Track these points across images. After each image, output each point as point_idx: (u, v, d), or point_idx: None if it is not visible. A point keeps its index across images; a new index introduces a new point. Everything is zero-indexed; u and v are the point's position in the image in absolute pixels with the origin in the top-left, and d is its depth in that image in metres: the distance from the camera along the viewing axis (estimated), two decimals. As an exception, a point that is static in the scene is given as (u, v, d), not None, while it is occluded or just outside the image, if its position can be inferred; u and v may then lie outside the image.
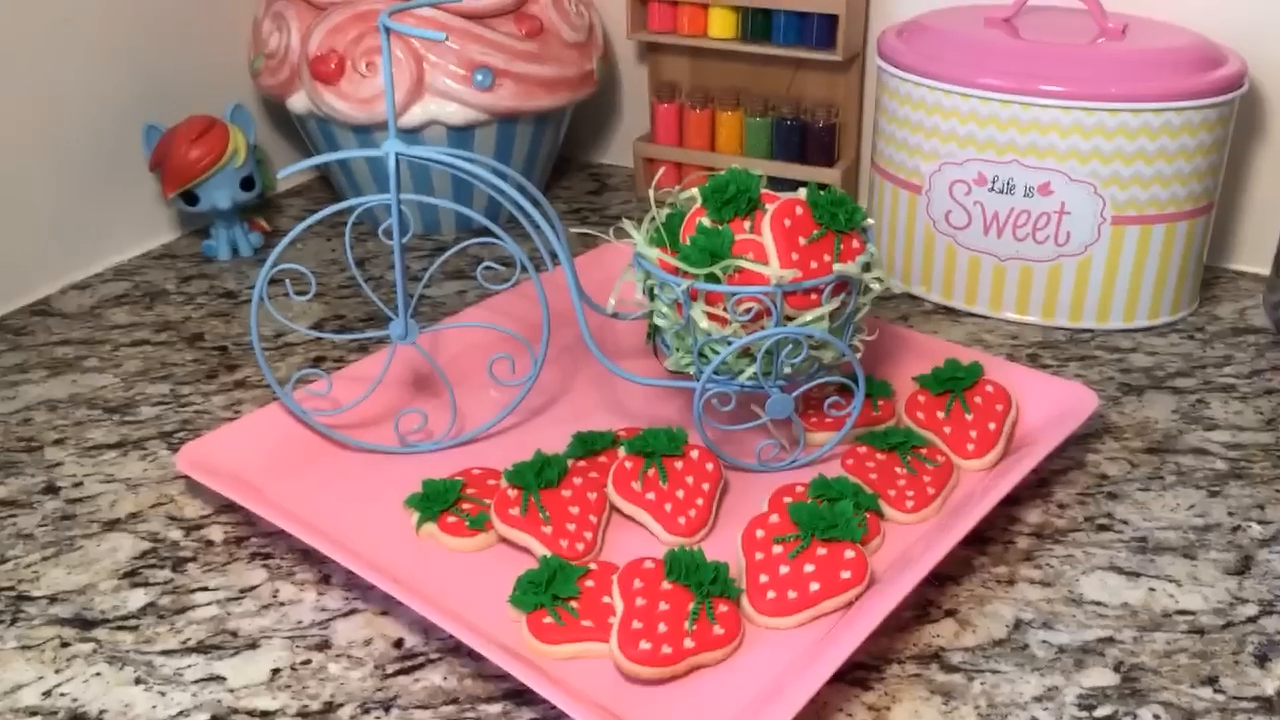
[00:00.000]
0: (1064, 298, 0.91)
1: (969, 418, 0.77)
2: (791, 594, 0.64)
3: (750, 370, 0.72)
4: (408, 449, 0.78)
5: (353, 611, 0.66)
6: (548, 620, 0.63)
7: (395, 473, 0.76)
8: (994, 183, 0.89)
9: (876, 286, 0.73)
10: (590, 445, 0.76)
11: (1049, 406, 0.78)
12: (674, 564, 0.64)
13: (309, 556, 0.70)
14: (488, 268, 0.79)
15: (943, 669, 0.62)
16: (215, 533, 0.73)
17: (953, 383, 0.79)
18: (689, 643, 0.61)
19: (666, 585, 0.63)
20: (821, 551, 0.65)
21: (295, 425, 0.78)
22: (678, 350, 0.75)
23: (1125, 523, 0.72)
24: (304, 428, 0.78)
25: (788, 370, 0.73)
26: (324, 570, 0.69)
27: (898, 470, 0.74)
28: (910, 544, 0.70)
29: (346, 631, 0.65)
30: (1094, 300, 0.91)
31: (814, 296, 0.71)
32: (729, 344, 0.71)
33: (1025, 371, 0.81)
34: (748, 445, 0.77)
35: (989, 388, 0.79)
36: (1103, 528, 0.71)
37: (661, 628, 0.61)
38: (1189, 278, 0.92)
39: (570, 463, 0.75)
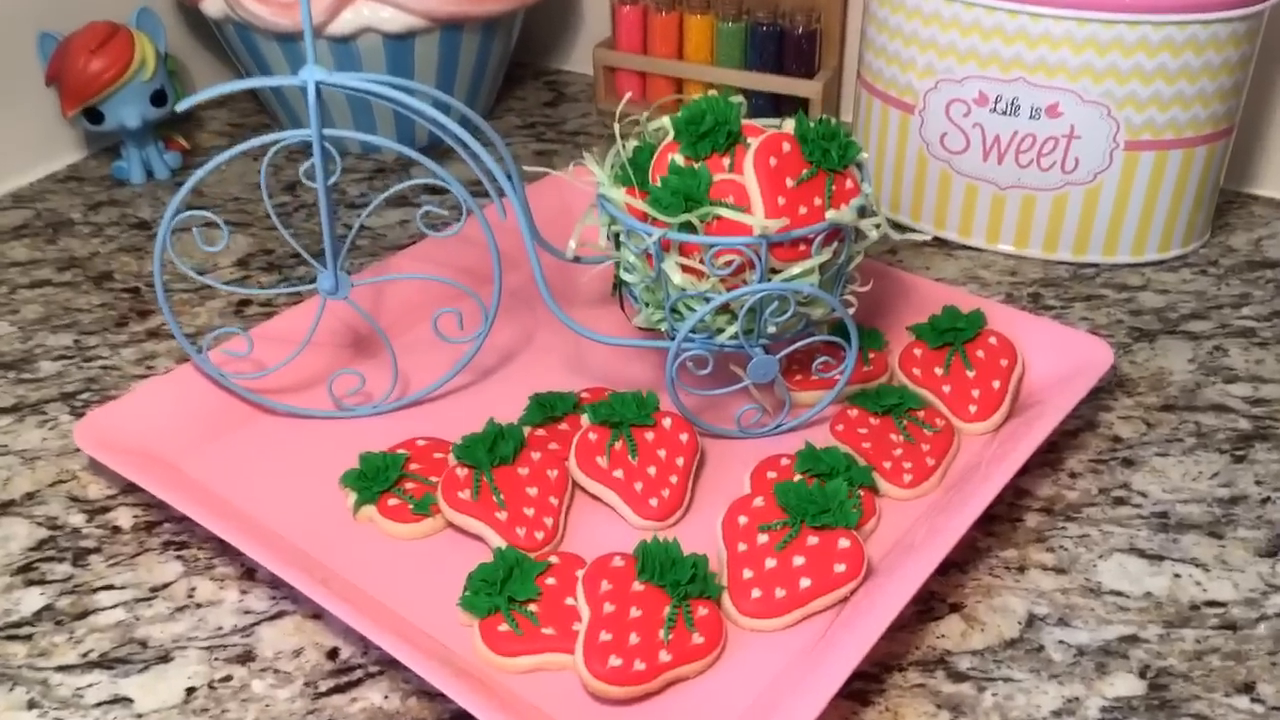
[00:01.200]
0: (1068, 230, 0.83)
1: (970, 375, 0.69)
2: (780, 592, 0.56)
3: (731, 330, 0.63)
4: (343, 413, 0.69)
5: (280, 614, 0.58)
6: (504, 628, 0.55)
7: (329, 445, 0.67)
8: (996, 103, 0.80)
9: (873, 234, 0.64)
10: (549, 409, 0.67)
11: (1058, 360, 0.70)
12: (646, 561, 0.56)
13: (230, 545, 0.62)
14: (430, 212, 0.69)
15: (950, 677, 0.55)
16: (123, 517, 0.64)
17: (952, 334, 0.71)
18: (665, 655, 0.53)
19: (638, 586, 0.55)
20: (813, 541, 0.58)
21: (214, 389, 0.69)
22: (648, 305, 0.66)
23: (1144, 495, 0.65)
24: (224, 392, 0.69)
25: (772, 330, 0.64)
26: (247, 563, 0.61)
27: (893, 437, 0.66)
28: (909, 524, 0.62)
29: (273, 639, 0.57)
30: (1101, 232, 0.83)
31: (803, 247, 0.62)
32: (706, 301, 0.63)
33: (1031, 320, 0.73)
34: (726, 410, 0.69)
35: (992, 340, 0.71)
36: (1119, 501, 0.64)
37: (633, 639, 0.53)
38: (1204, 207, 0.84)
39: (527, 432, 0.67)
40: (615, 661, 0.52)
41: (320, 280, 0.66)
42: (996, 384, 0.69)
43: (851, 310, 0.65)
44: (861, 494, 0.62)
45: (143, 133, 0.96)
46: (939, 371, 0.70)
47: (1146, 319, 0.79)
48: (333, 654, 0.56)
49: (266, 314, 0.79)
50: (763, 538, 0.58)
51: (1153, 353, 0.76)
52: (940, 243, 0.88)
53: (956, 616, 0.58)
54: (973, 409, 0.68)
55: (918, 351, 0.71)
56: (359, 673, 0.55)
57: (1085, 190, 0.81)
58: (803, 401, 0.70)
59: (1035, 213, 0.83)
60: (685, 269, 0.63)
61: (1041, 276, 0.84)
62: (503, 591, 0.56)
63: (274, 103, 1.01)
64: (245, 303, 0.82)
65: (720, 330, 0.64)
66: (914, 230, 0.88)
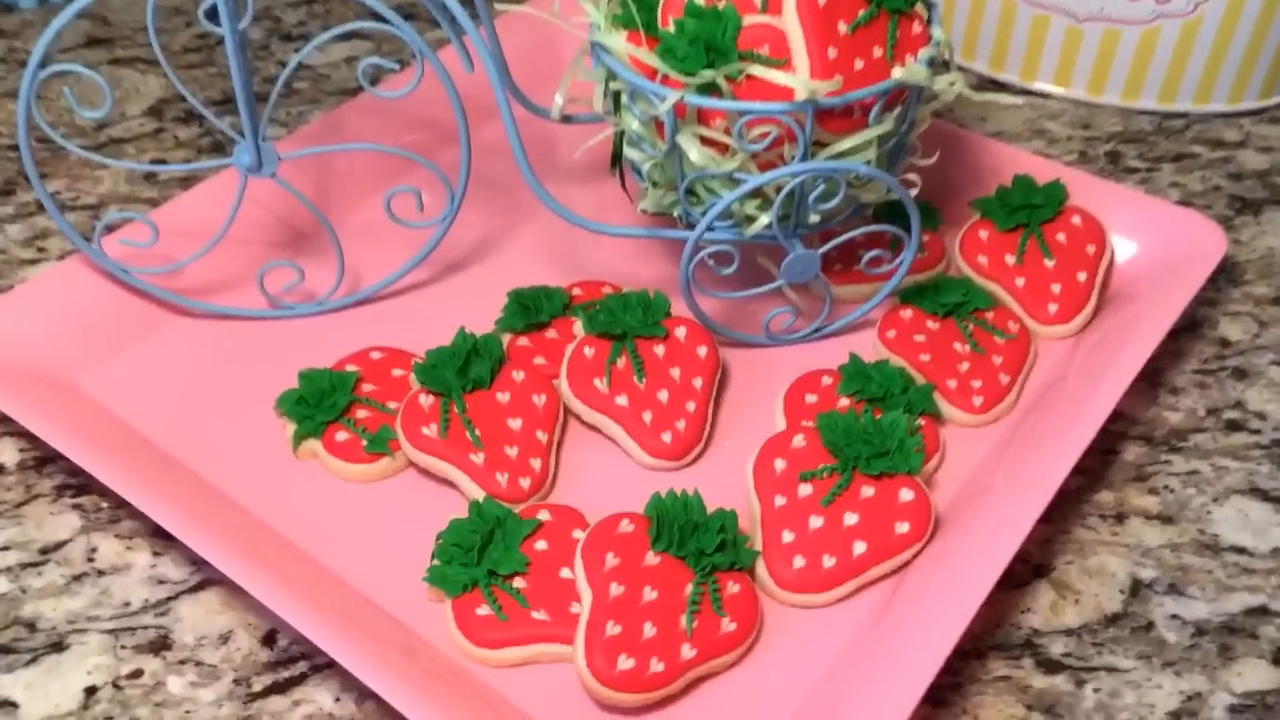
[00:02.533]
0: (1155, 72, 0.69)
1: (1050, 264, 0.57)
2: (828, 560, 0.45)
3: (763, 219, 0.50)
4: (278, 312, 0.56)
5: (203, 585, 0.47)
6: (483, 610, 0.44)
7: (261, 358, 0.54)
8: (1082, -87, 0.65)
9: (947, 92, 0.50)
10: (533, 310, 0.54)
11: (1156, 245, 0.58)
12: (662, 525, 0.44)
13: (140, 495, 0.50)
14: (377, 65, 0.54)
15: (1039, 665, 0.44)
16: (6, 451, 0.52)
17: (1027, 212, 0.58)
18: (688, 650, 0.42)
19: (652, 559, 0.44)
20: (868, 492, 0.46)
21: (115, 286, 0.55)
22: (657, 186, 0.52)
23: (1261, 416, 0.53)
24: (128, 290, 0.55)
25: (815, 218, 0.51)
26: (162, 516, 0.49)
27: (957, 347, 0.54)
28: (979, 460, 0.51)
29: (194, 620, 0.46)
30: (1194, 75, 0.68)
31: (858, 115, 0.48)
32: (734, 183, 0.49)
33: (1123, 194, 0.60)
34: (752, 311, 0.56)
35: (1076, 220, 0.58)
36: (1233, 425, 0.53)
37: (648, 630, 0.42)
38: (1316, 43, 0.70)
39: (507, 342, 0.54)
40: (626, 663, 0.41)
41: (237, 153, 0.52)
42: (1082, 276, 0.56)
43: (914, 191, 0.51)
44: (922, 423, 0.50)
45: (29, -54, 0.78)
46: (1010, 260, 0.57)
47: (1249, 185, 0.66)
48: (269, 639, 0.45)
49: (188, 182, 0.65)
50: (805, 489, 0.47)
51: (1260, 229, 0.63)
52: (997, 85, 0.73)
53: (1044, 584, 0.47)
54: (1053, 308, 0.55)
55: (983, 234, 0.58)
56: (303, 665, 0.44)
57: (1182, 24, 0.66)
58: (844, 299, 0.57)
59: (1117, 50, 0.69)
60: (706, 142, 0.49)
61: (1120, 130, 0.70)
62: (481, 562, 0.45)
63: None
64: (159, 161, 0.67)
65: (750, 219, 0.51)
66: (967, 71, 0.73)
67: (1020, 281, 0.56)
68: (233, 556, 0.43)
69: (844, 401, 0.51)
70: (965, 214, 0.60)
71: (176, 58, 0.76)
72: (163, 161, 0.67)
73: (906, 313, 0.55)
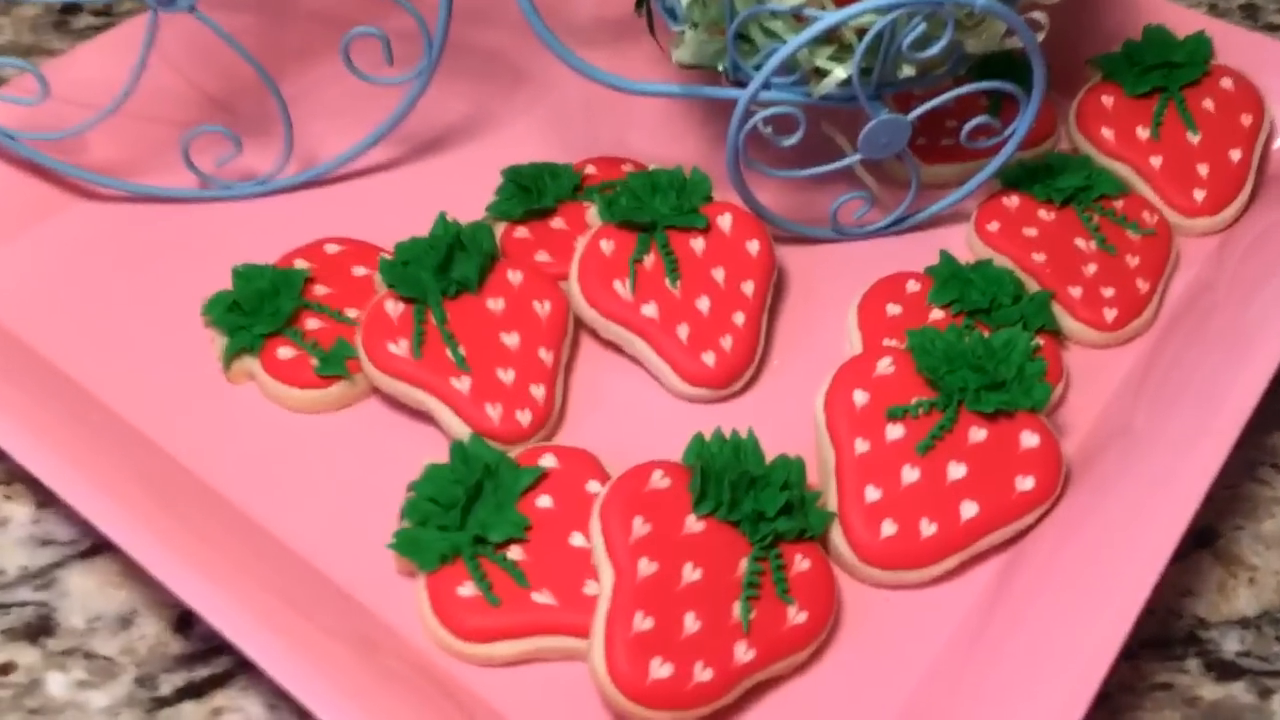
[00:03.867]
0: (1304, -91, 0.56)
1: (1194, 139, 0.44)
2: (928, 525, 0.34)
3: (839, 74, 0.38)
4: (209, 194, 0.44)
5: (99, 549, 0.36)
6: (467, 590, 0.33)
7: (186, 255, 0.43)
8: None
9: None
10: (535, 193, 0.42)
11: (1325, 117, 0.46)
12: (708, 478, 0.33)
13: (23, 428, 0.38)
14: None
15: (1209, 669, 0.33)
16: None
17: (1163, 73, 0.45)
18: (744, 651, 0.31)
19: (694, 524, 0.33)
20: (978, 435, 0.35)
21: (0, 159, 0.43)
22: (696, 29, 0.40)
23: None
24: (13, 166, 0.43)
25: (908, 72, 0.39)
26: (51, 456, 0.38)
27: (1080, 244, 0.42)
28: (1112, 391, 0.39)
29: (85, 596, 0.34)
30: (1352, -87, 0.55)
31: (978, -77, 0.36)
32: (799, 23, 0.37)
33: (1277, 48, 0.47)
34: (816, 197, 0.44)
35: (1226, 82, 0.46)
36: None
37: (690, 625, 0.31)
38: None
39: (500, 233, 0.42)
40: (662, 670, 0.30)
41: (143, -22, 0.39)
42: (1235, 155, 0.44)
43: (1041, 36, 0.39)
44: (1040, 343, 0.39)
45: None
46: (1143, 134, 0.45)
47: None
48: (184, 624, 0.34)
49: (103, 25, 0.52)
50: (895, 430, 0.35)
51: None
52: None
53: (1207, 557, 0.36)
54: (1199, 195, 0.43)
55: (1107, 100, 0.46)
56: (227, 660, 0.33)
57: None
58: (932, 182, 0.45)
59: (1258, -119, 0.56)
60: (768, -38, 0.36)
61: (1258, -22, 0.57)
62: (466, 524, 0.33)
63: None
64: (72, 8, 0.54)
65: (821, 74, 0.38)
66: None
67: (1157, 161, 0.44)
68: (128, 514, 0.32)
69: (937, 314, 0.40)
70: (1083, 75, 0.47)
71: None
72: (74, 8, 0.54)
73: (1012, 200, 0.43)
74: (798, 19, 0.37)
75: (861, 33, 0.37)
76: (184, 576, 0.31)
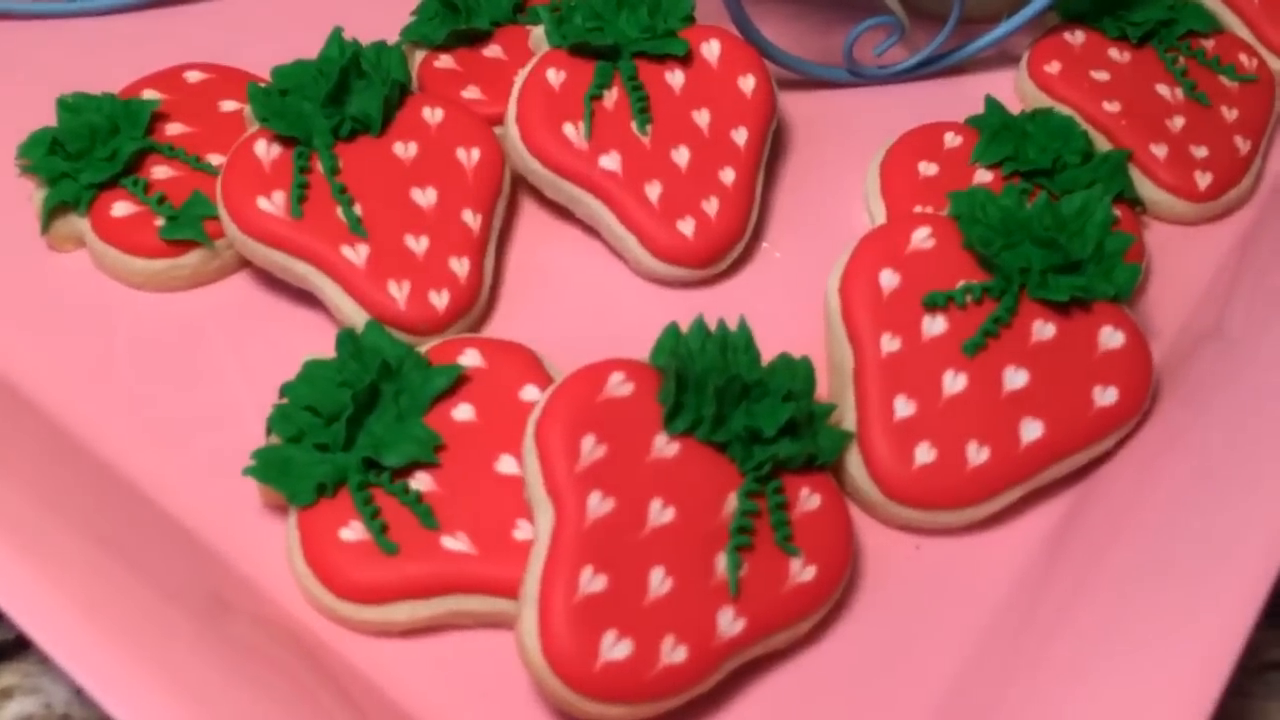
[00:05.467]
0: None
1: (1302, -33, 0.35)
2: (977, 450, 0.25)
3: None
4: (43, 7, 0.34)
5: None
6: (352, 533, 0.24)
7: (4, 82, 0.33)
8: None
9: None
10: (466, 10, 0.33)
11: None
12: (684, 382, 0.24)
13: None
14: None
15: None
16: None
17: (1264, -118, 0.36)
18: (730, 621, 0.23)
19: (666, 445, 0.24)
20: (1044, 331, 0.26)
21: None
22: None
23: None
24: None
25: None
26: None
27: (1163, 91, 0.33)
28: (1205, 285, 0.31)
29: None
30: None
31: None
32: None
33: None
34: (827, 28, 0.35)
35: (1343, -105, 0.36)
36: None
37: (658, 584, 0.22)
38: None
39: (419, 62, 0.33)
40: (617, 649, 0.22)
41: None
42: (1354, -14, 0.35)
43: None
44: (1119, 215, 0.30)
45: None
46: (1238, -42, 0.36)
47: None
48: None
49: None
50: (936, 324, 0.26)
51: None
52: None
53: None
54: (1309, 35, 0.35)
55: (1194, -86, 0.37)
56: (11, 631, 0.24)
57: None
58: (975, 13, 0.35)
59: None
60: None
61: None
62: (355, 443, 0.25)
63: None
64: None
65: None
66: None
67: (1256, -8, 0.35)
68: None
69: (984, 176, 0.31)
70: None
71: None
72: None
73: (1076, 36, 0.34)
74: None
75: None
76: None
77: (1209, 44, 0.34)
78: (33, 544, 0.22)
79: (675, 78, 0.31)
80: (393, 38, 0.33)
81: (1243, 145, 0.32)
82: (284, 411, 0.25)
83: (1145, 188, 0.32)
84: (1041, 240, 0.27)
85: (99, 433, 0.27)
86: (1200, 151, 0.32)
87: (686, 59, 0.31)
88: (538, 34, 0.31)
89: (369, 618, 0.24)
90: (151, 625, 0.21)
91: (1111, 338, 0.27)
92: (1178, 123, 0.32)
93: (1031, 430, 0.26)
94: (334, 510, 0.24)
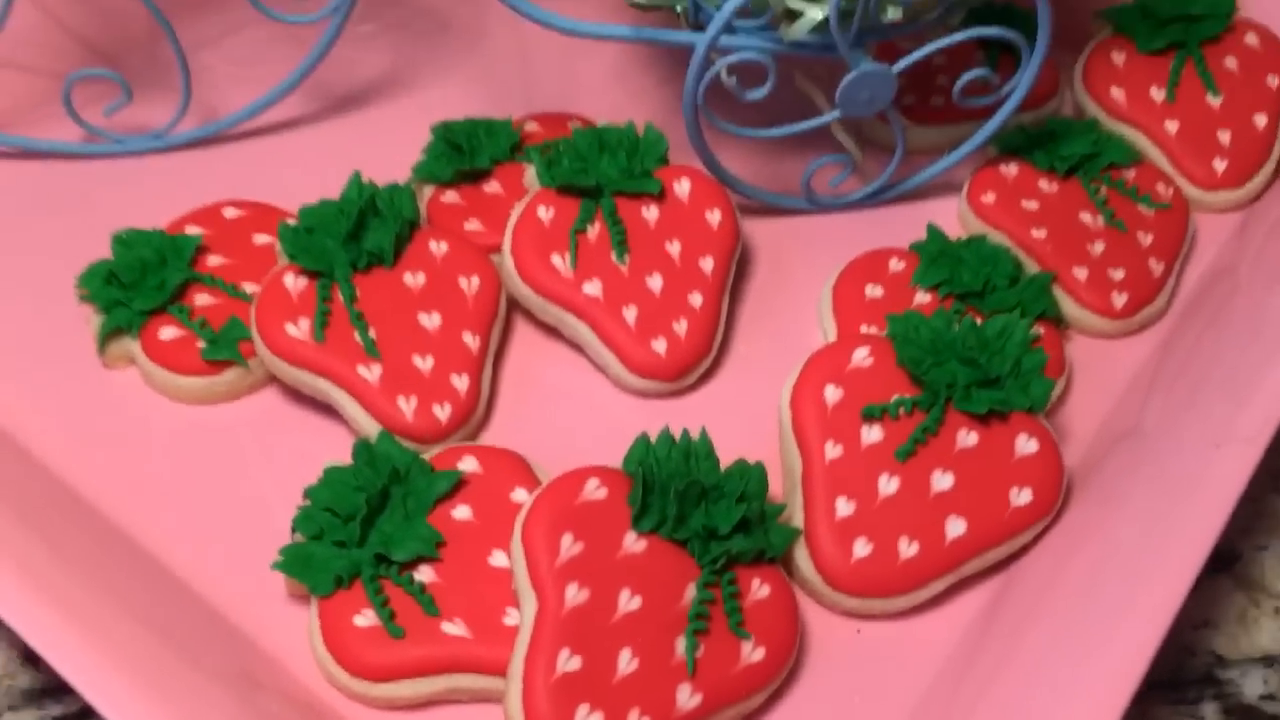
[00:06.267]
0: None
1: (1215, 102, 0.39)
2: (908, 545, 0.29)
3: (814, 14, 0.32)
4: (96, 148, 0.39)
5: (-58, 562, 0.31)
6: (366, 620, 0.28)
7: (64, 218, 0.38)
8: None
9: None
10: (469, 152, 0.37)
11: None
12: (651, 487, 0.28)
13: None
14: None
15: (1228, 715, 0.29)
16: None
17: (1181, 27, 0.40)
18: (688, 696, 0.26)
19: (635, 543, 0.28)
20: (967, 440, 0.30)
21: None
22: (652, -40, 0.35)
23: None
24: None
25: (893, 15, 0.33)
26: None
27: (1086, 219, 0.37)
28: (1122, 390, 0.34)
29: (-79, 620, 0.29)
30: None
31: None
32: (772, -49, 0.32)
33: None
34: (788, 161, 0.39)
35: (1250, 38, 0.41)
36: None
37: (625, 663, 0.26)
38: None
39: (427, 197, 0.37)
40: (589, 721, 0.25)
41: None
42: (1261, 120, 0.39)
43: (1046, -23, 0.34)
44: (1039, 332, 0.34)
45: None
46: (1158, 96, 0.40)
47: None
48: (35, 654, 0.29)
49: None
50: (872, 433, 0.30)
51: None
52: None
53: (1227, 582, 0.31)
54: (1220, 165, 0.39)
55: (1117, 57, 0.41)
56: (76, 702, 0.28)
57: None
58: (918, 147, 0.40)
59: None
60: (733, -117, 0.31)
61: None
62: (367, 540, 0.28)
63: None
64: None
65: (792, 15, 0.33)
66: None
67: (1172, 126, 0.39)
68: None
69: (922, 298, 0.35)
70: (1088, 30, 0.42)
71: None
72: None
73: (1010, 169, 0.38)
74: (767, -47, 0.32)
75: (840, -31, 0.32)
76: (22, 605, 0.26)
77: (1129, 175, 0.38)
78: (92, 626, 0.26)
79: (650, 212, 0.35)
80: (405, 172, 0.38)
81: (1156, 267, 0.36)
82: (307, 512, 0.29)
83: (1068, 306, 0.35)
84: (965, 359, 0.31)
85: (146, 528, 0.31)
86: (1117, 274, 0.36)
87: (660, 196, 0.35)
88: (530, 174, 0.36)
89: (379, 694, 0.28)
90: (194, 699, 0.25)
91: (1027, 445, 0.30)
92: (1098, 248, 0.36)
93: (956, 527, 0.29)
94: (349, 599, 0.28)
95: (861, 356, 0.31)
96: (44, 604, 0.26)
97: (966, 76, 0.35)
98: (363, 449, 0.30)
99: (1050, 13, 0.33)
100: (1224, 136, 0.39)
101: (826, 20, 0.32)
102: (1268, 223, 0.38)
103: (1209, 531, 0.27)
